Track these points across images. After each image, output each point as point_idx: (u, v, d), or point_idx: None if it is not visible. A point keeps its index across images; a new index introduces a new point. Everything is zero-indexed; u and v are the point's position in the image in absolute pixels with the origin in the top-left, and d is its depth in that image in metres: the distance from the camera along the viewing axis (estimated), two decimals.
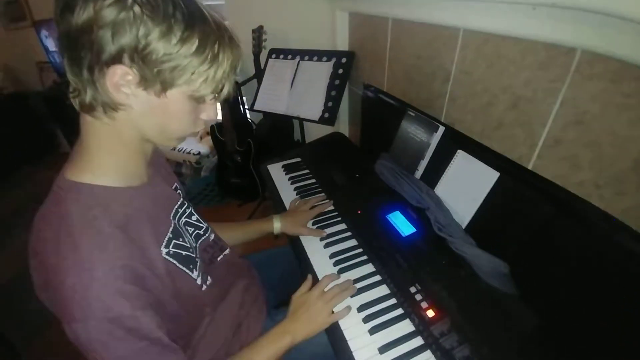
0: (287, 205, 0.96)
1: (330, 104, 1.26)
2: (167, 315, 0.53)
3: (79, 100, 0.43)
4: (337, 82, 1.27)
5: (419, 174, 0.88)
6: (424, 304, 0.62)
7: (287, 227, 0.87)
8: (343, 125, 1.51)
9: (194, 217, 0.66)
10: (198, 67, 0.43)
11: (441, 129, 0.82)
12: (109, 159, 0.48)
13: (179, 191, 0.66)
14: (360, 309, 0.65)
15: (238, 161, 1.68)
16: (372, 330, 0.61)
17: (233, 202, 1.96)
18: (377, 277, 0.72)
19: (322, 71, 1.30)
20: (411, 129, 0.91)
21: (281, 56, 1.44)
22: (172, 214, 0.59)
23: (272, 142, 1.62)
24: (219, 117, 1.63)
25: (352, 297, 0.68)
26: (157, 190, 0.57)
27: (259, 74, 1.52)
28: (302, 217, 0.88)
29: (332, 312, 0.65)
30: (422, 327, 0.59)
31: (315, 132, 1.45)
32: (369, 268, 0.74)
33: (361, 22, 1.21)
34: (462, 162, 0.76)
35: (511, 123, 0.70)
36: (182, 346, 0.62)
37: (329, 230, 0.85)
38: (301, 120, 1.41)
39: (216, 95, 0.48)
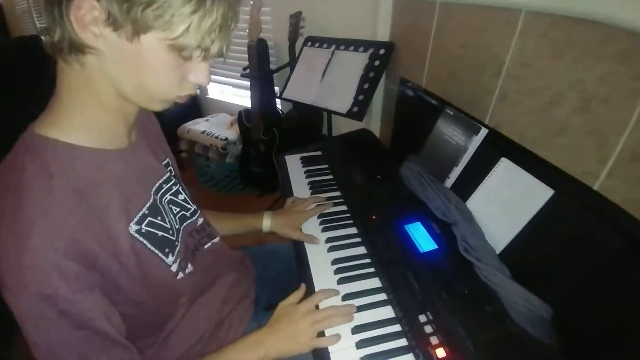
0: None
1: (361, 97, 1.16)
2: (128, 303, 0.47)
3: (49, 39, 0.37)
4: (371, 74, 1.16)
5: (450, 182, 0.75)
6: (434, 339, 0.50)
7: (277, 226, 0.78)
8: (374, 124, 1.39)
9: (181, 197, 0.59)
10: (179, 9, 0.35)
11: (483, 131, 0.69)
12: (80, 114, 0.42)
13: (170, 168, 0.60)
14: (356, 330, 0.55)
15: (261, 150, 1.63)
16: None
17: (254, 192, 1.92)
18: (382, 296, 0.60)
19: (356, 62, 1.20)
20: (447, 130, 0.78)
21: (316, 44, 1.36)
22: (153, 189, 0.52)
23: (299, 135, 1.55)
24: (249, 103, 1.59)
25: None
26: (138, 159, 0.50)
27: (293, 62, 1.45)
28: (296, 219, 0.79)
29: (319, 334, 0.55)
30: None
31: (344, 128, 1.35)
32: (374, 283, 0.63)
33: (405, 9, 1.09)
34: (505, 173, 0.63)
35: (577, 129, 0.55)
36: (149, 335, 0.56)
37: (336, 233, 0.75)
38: (329, 113, 1.32)
39: (204, 51, 0.40)
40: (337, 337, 0.54)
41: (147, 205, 0.49)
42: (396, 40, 1.18)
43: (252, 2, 1.40)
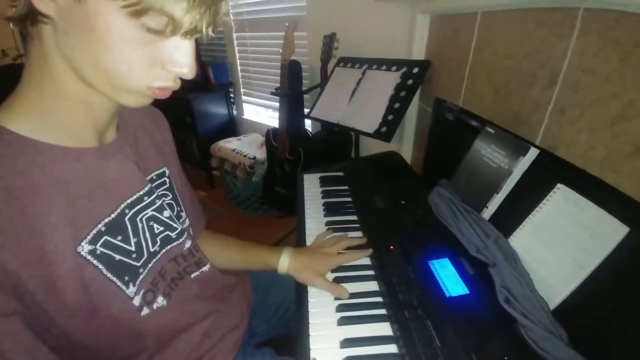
0: (308, 222, 0.78)
1: (390, 117, 1.07)
2: (66, 339, 0.39)
3: (15, 11, 0.34)
4: (403, 93, 1.08)
5: (488, 213, 0.62)
6: None
7: (296, 269, 0.63)
8: (406, 149, 1.28)
9: (166, 213, 0.50)
10: None
11: (533, 151, 0.56)
12: (36, 99, 0.36)
13: (164, 179, 0.53)
14: None
15: (286, 170, 1.58)
16: None
17: (275, 213, 1.86)
18: (392, 348, 0.48)
19: (388, 81, 1.13)
20: (487, 151, 0.66)
21: (349, 65, 1.32)
22: (125, 203, 0.44)
23: (325, 156, 1.48)
24: (276, 122, 1.57)
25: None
26: (107, 165, 0.43)
27: (324, 83, 1.42)
28: (322, 262, 0.63)
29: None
30: None
31: (373, 151, 1.26)
32: (383, 329, 0.50)
33: (443, 24, 1.02)
34: (562, 204, 0.49)
35: None
36: None
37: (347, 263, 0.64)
38: (356, 133, 1.24)
39: (172, 22, 0.32)
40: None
41: (106, 220, 0.41)
42: (432, 57, 1.10)
43: (287, 23, 1.42)
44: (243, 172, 1.94)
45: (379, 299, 0.55)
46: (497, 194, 0.61)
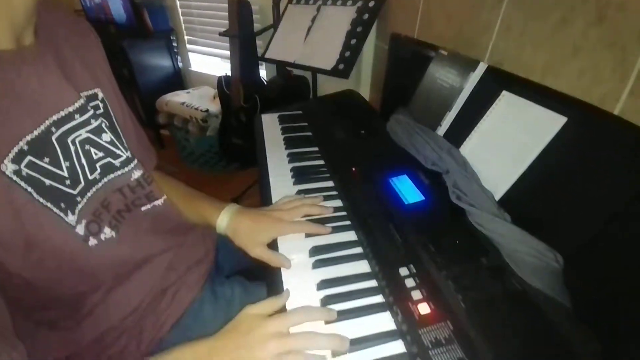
0: (270, 161, 0.76)
1: (347, 53, 1.05)
2: (5, 279, 0.36)
3: None
4: (359, 29, 1.05)
5: (442, 130, 0.65)
6: (416, 294, 0.41)
7: (234, 232, 0.55)
8: (364, 89, 1.29)
9: (106, 137, 0.45)
10: None
11: (482, 65, 0.59)
12: None
13: (97, 102, 0.47)
14: (322, 285, 0.45)
15: (242, 120, 1.51)
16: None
17: (236, 168, 1.81)
18: (358, 249, 0.51)
19: (343, 17, 1.09)
20: (440, 74, 0.68)
21: (302, 1, 1.24)
22: (48, 120, 0.39)
23: (282, 103, 1.43)
24: (229, 71, 1.47)
25: (313, 267, 0.47)
26: (27, 72, 0.37)
27: (277, 24, 1.33)
28: (267, 229, 0.53)
29: None
30: (408, 327, 0.38)
31: (329, 92, 1.24)
32: (350, 236, 0.53)
33: None
34: (506, 109, 0.53)
35: (593, 46, 0.46)
36: (61, 307, 0.44)
37: (308, 186, 0.65)
38: (313, 72, 1.21)
39: None
40: None
41: (28, 138, 0.36)
42: None
43: None
44: (196, 127, 1.82)
45: (343, 213, 0.58)
46: (450, 111, 0.64)
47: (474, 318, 0.37)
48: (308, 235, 0.53)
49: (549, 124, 0.46)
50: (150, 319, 0.51)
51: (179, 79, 2.22)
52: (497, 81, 0.56)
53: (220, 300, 0.57)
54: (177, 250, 0.56)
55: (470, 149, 0.57)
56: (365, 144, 0.76)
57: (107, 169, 0.45)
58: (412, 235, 0.48)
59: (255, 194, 1.56)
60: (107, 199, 0.45)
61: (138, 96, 2.04)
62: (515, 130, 0.50)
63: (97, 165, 0.44)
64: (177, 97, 1.89)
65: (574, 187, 0.43)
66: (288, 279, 0.46)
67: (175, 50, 2.16)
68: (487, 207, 0.47)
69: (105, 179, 0.45)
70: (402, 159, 0.66)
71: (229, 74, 1.48)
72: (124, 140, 0.47)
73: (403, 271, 0.44)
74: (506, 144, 0.51)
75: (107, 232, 0.44)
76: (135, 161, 0.48)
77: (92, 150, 0.43)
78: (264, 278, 0.56)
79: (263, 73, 1.78)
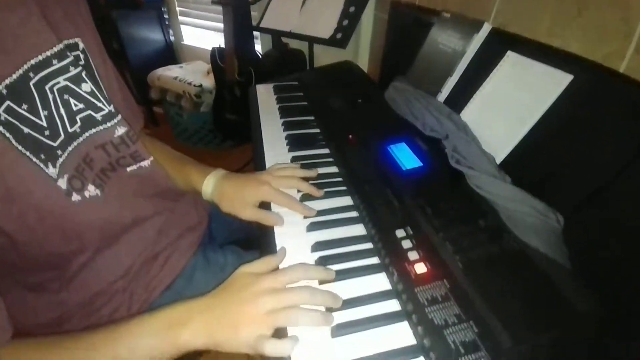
0: (264, 129, 0.73)
1: (345, 22, 1.01)
2: None
3: None
4: None
5: (442, 97, 0.63)
6: (412, 255, 0.40)
7: (220, 196, 0.53)
8: (362, 63, 1.25)
9: (86, 87, 0.42)
10: None
11: (486, 26, 0.56)
12: None
13: (78, 53, 0.44)
14: (317, 247, 0.44)
15: (236, 95, 1.47)
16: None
17: (230, 145, 1.78)
18: (353, 213, 0.49)
19: None
20: (442, 38, 0.65)
21: None
22: (26, 64, 0.36)
23: (277, 76, 1.39)
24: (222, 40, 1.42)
25: (308, 230, 0.46)
26: (8, 18, 0.35)
27: None
28: (254, 190, 0.51)
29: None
30: (403, 285, 0.37)
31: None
32: (345, 201, 0.52)
33: None
34: (510, 70, 0.51)
35: (597, 4, 0.44)
36: (48, 269, 0.43)
37: (304, 152, 0.63)
38: (310, 42, 1.17)
39: None
40: (294, 340, 0.33)
41: (7, 82, 0.34)
42: None
43: None
44: (189, 103, 1.78)
45: (339, 179, 0.56)
46: (451, 77, 0.62)
47: (471, 277, 0.36)
48: (303, 199, 0.51)
49: (554, 82, 0.44)
50: (141, 283, 0.50)
51: (171, 54, 2.15)
52: (502, 42, 0.53)
53: (213, 266, 0.56)
54: (168, 215, 0.55)
55: (471, 113, 0.55)
56: (363, 112, 0.73)
57: (88, 122, 0.43)
58: (409, 199, 0.47)
59: (251, 171, 1.54)
60: (89, 155, 0.43)
61: (129, 71, 1.98)
62: (519, 91, 0.48)
63: (78, 117, 0.42)
64: (169, 72, 1.83)
65: (577, 146, 0.41)
66: (282, 242, 0.45)
67: (167, 22, 2.08)
68: (487, 170, 0.45)
69: (87, 134, 0.42)
70: (400, 126, 0.64)
71: (223, 45, 1.42)
72: (105, 93, 0.45)
73: (400, 233, 0.42)
74: (509, 106, 0.49)
75: (92, 190, 0.42)
76: (119, 117, 0.45)
77: (72, 101, 0.41)
78: (258, 248, 0.55)
79: (259, 48, 1.73)
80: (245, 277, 0.37)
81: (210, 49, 1.48)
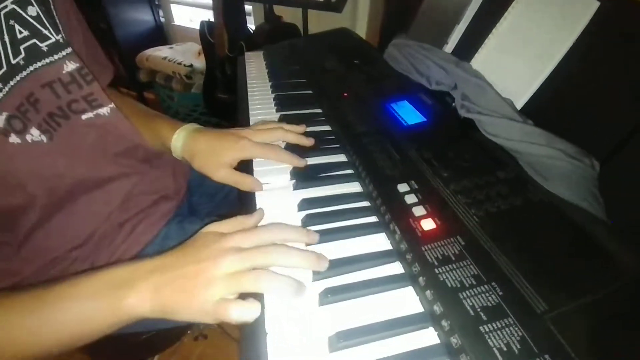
0: (251, 92, 0.66)
1: None
2: None
3: None
4: None
5: (449, 48, 0.56)
6: (418, 210, 0.33)
7: (192, 153, 0.45)
8: (360, 30, 1.17)
9: (32, 11, 0.36)
10: None
11: None
12: None
13: None
14: (304, 205, 0.37)
15: (227, 72, 1.39)
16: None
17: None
18: (348, 170, 0.43)
19: None
20: None
21: None
22: None
23: None
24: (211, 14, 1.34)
25: (295, 188, 0.40)
26: None
27: None
28: (231, 148, 0.43)
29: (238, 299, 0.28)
30: (408, 245, 0.30)
31: None
32: (339, 158, 0.45)
33: None
34: (527, 6, 0.44)
35: None
36: None
37: (292, 112, 0.56)
38: (304, 9, 1.09)
39: None
40: (257, 307, 0.27)
41: None
42: None
43: None
44: (180, 84, 1.70)
45: (332, 137, 0.49)
46: (459, 24, 0.54)
47: (491, 232, 0.30)
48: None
49: (579, 11, 0.37)
50: (104, 252, 0.43)
51: (161, 34, 2.06)
52: None
53: (188, 235, 0.50)
54: (137, 179, 0.48)
55: (483, 59, 0.48)
56: (360, 72, 0.66)
57: (33, 53, 0.36)
58: (413, 152, 0.40)
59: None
60: (34, 94, 0.36)
61: (117, 53, 1.89)
62: (539, 26, 0.41)
63: (22, 47, 0.35)
64: (159, 52, 1.75)
65: (610, 81, 0.34)
66: (264, 201, 0.38)
67: (157, 2, 1.99)
68: (505, 114, 0.38)
69: (31, 67, 0.36)
70: (402, 84, 0.57)
71: (213, 19, 1.34)
72: (57, 20, 0.38)
73: (402, 187, 0.36)
74: (528, 45, 0.42)
75: (35, 135, 0.35)
76: (69, 49, 0.38)
77: (17, 27, 0.35)
78: None
79: (252, 25, 1.64)
80: (209, 235, 0.31)
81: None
